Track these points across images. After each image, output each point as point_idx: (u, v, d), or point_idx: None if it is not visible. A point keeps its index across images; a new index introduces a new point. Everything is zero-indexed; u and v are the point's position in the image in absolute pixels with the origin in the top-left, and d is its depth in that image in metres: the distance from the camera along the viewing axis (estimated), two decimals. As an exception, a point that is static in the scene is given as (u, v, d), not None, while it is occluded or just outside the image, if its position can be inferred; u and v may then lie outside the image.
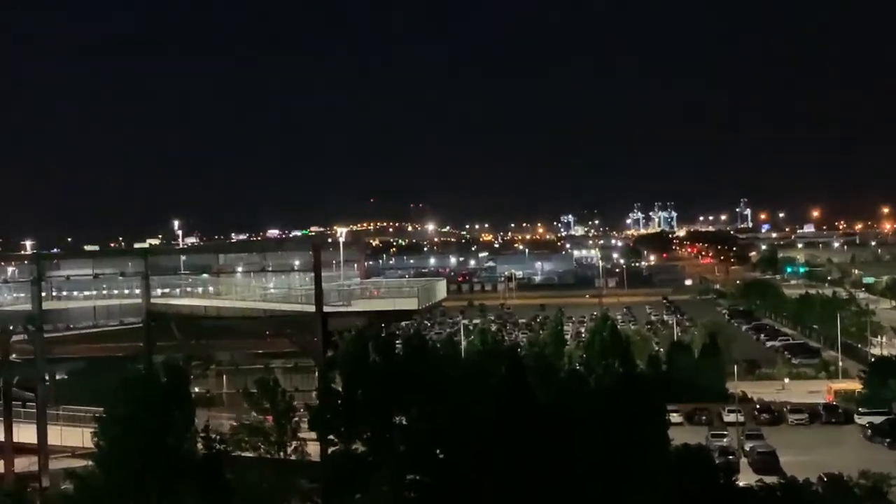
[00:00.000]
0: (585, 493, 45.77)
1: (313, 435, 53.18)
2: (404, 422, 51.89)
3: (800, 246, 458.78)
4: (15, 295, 72.92)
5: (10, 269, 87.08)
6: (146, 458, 43.05)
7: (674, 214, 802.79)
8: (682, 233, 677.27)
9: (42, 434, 61.64)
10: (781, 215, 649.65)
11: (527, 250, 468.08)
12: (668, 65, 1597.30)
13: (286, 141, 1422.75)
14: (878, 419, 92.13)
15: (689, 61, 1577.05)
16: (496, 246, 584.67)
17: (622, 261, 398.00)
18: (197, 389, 69.76)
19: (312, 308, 63.26)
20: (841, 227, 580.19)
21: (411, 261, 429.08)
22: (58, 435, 63.50)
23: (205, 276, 79.24)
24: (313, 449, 53.21)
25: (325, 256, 75.41)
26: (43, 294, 64.50)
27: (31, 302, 63.78)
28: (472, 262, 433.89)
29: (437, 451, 51.39)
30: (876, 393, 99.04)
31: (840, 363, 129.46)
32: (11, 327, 66.41)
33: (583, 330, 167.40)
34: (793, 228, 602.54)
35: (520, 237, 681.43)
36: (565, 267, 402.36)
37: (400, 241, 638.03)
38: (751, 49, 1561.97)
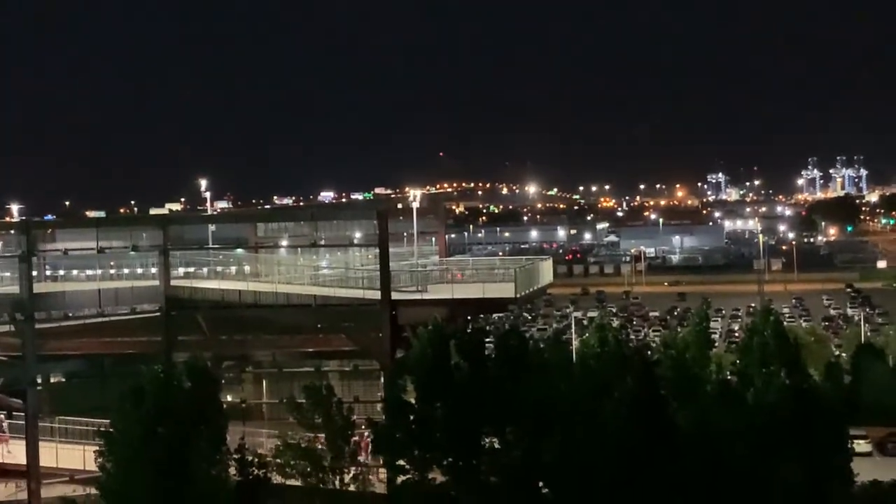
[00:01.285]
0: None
1: (378, 460, 53.69)
2: (496, 446, 52.16)
3: None
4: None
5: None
6: (164, 485, 43.93)
7: (863, 173, 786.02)
8: (873, 197, 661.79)
9: (32, 453, 62.85)
10: None
11: (661, 220, 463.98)
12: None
13: (339, 76, 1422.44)
14: None
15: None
16: (620, 215, 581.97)
17: (791, 235, 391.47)
18: (229, 398, 70.72)
19: (377, 294, 63.57)
20: None
21: (507, 233, 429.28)
22: (51, 454, 64.64)
23: (239, 251, 79.98)
24: (378, 478, 53.75)
25: (395, 227, 75.45)
26: (34, 273, 65.62)
27: (18, 283, 64.83)
28: (588, 236, 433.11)
29: (539, 486, 51.57)
30: None
31: None
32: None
33: (736, 328, 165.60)
34: None
35: (652, 203, 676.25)
36: (713, 243, 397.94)
37: (492, 207, 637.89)
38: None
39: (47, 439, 64.98)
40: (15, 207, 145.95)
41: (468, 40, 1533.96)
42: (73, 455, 63.25)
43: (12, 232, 77.33)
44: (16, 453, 64.46)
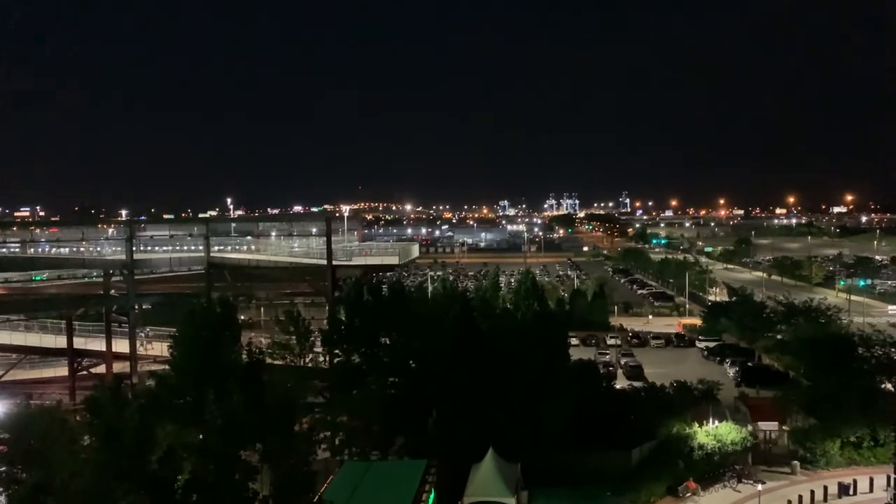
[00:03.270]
0: (515, 394, 46.14)
1: (324, 349, 53.03)
2: (388, 342, 51.98)
3: (662, 225, 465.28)
4: (114, 248, 71.53)
5: (110, 230, 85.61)
6: (205, 364, 42.67)
7: (577, 202, 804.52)
8: (582, 214, 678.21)
9: (132, 346, 60.80)
10: (650, 203, 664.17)
11: (475, 224, 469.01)
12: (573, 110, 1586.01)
13: (307, 143, 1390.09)
14: (711, 344, 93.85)
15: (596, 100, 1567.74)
16: (454, 221, 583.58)
17: (541, 233, 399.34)
18: (242, 317, 69.13)
19: (324, 262, 62.78)
20: (690, 212, 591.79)
21: (394, 230, 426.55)
22: (143, 347, 62.74)
23: (248, 238, 78.45)
24: (323, 360, 53.06)
25: (334, 226, 74.58)
26: (133, 248, 63.34)
27: (125, 253, 62.61)
28: (437, 232, 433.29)
29: (411, 363, 51.55)
30: (711, 326, 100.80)
31: (687, 305, 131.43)
32: (111, 271, 65.26)
33: (513, 280, 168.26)
34: (658, 213, 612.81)
35: (470, 215, 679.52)
36: (501, 237, 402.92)
37: (386, 216, 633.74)
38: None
39: (141, 338, 63.04)
40: (123, 211, 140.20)
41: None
42: (155, 347, 61.31)
43: (122, 225, 74.46)
44: (122, 347, 62.04)
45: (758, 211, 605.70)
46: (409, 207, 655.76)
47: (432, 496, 37.85)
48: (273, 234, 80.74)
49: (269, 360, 49.70)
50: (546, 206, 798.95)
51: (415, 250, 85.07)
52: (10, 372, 62.55)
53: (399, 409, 46.29)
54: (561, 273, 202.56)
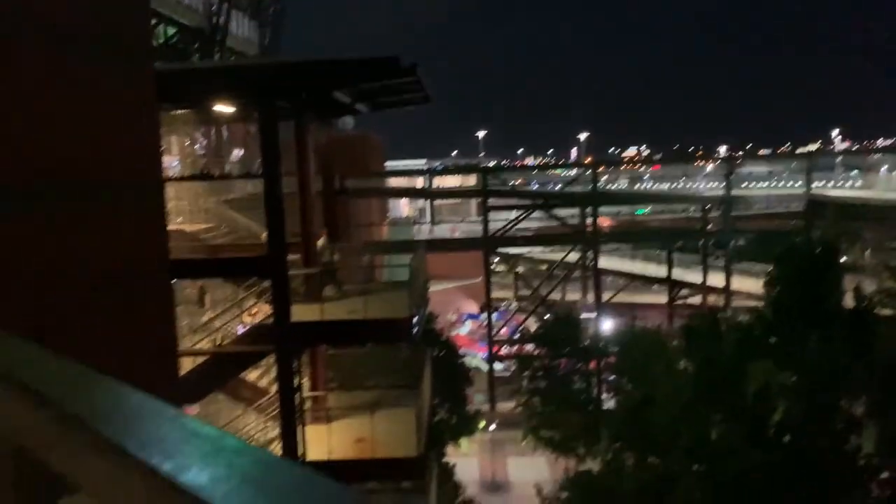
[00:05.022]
0: None
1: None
2: None
3: None
4: (710, 184, 74.14)
5: (707, 167, 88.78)
6: (803, 305, 41.17)
7: None
8: None
9: (727, 279, 62.59)
10: None
11: None
12: None
13: None
14: None
15: None
16: None
17: None
18: (843, 259, 64.00)
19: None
20: None
21: None
22: (737, 281, 63.81)
23: (854, 172, 72.02)
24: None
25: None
26: (731, 184, 64.29)
27: (722, 189, 64.14)
28: None
29: None
30: None
31: None
32: (709, 206, 67.92)
33: None
34: None
35: None
36: None
37: None
38: None
39: (735, 273, 63.98)
40: (722, 147, 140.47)
41: None
42: (749, 282, 61.54)
43: (720, 162, 76.66)
44: (718, 280, 64.11)
45: None
46: None
47: None
48: (884, 167, 72.00)
49: (875, 310, 45.13)
50: None
51: None
52: (617, 295, 71.35)
53: None
54: None
